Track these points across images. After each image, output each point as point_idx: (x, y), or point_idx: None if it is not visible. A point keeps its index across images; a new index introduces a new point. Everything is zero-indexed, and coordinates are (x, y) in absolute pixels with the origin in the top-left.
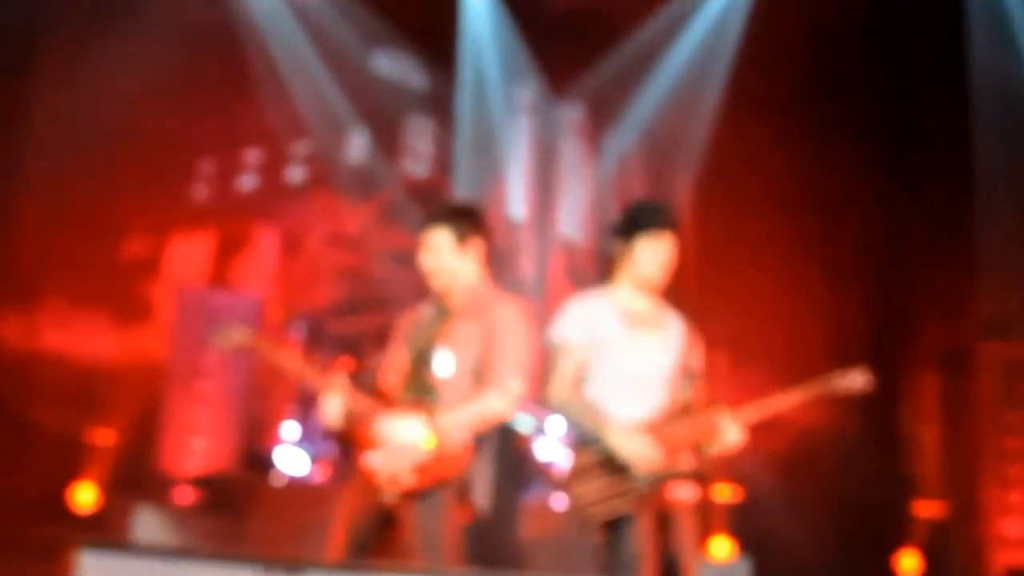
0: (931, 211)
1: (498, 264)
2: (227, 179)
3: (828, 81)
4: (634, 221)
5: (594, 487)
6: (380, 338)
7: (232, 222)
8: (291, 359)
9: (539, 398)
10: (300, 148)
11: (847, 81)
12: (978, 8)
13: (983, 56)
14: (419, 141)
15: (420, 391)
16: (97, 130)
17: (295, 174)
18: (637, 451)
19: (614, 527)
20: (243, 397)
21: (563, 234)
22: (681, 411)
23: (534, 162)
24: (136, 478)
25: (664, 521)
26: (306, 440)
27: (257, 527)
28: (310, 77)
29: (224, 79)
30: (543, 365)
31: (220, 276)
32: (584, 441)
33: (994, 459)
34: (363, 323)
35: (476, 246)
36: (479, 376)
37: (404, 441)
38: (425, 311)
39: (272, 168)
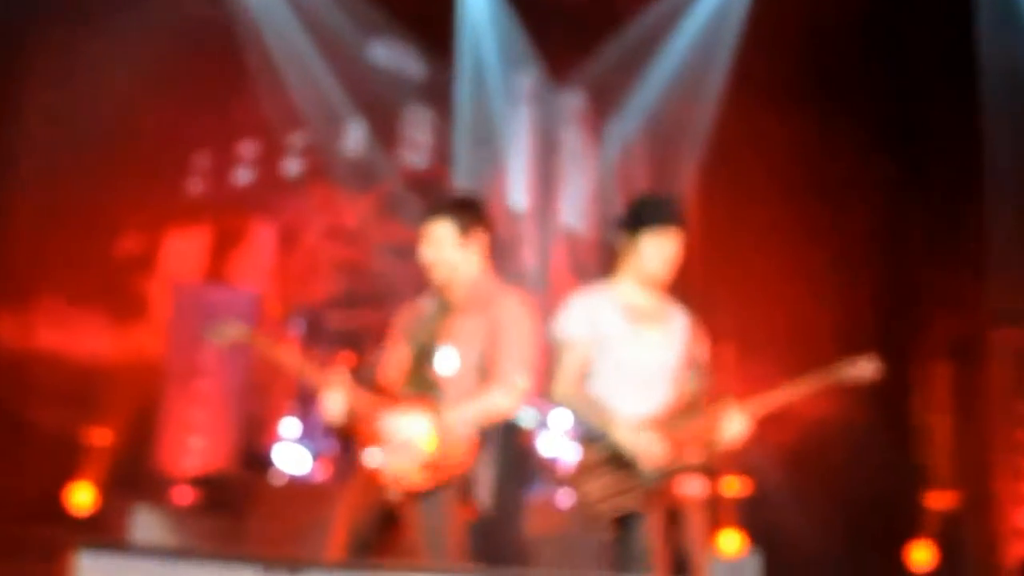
0: (940, 197)
1: (500, 255)
2: (222, 173)
3: (834, 65)
4: (639, 215)
5: (601, 483)
6: (380, 333)
7: (228, 216)
8: (290, 355)
9: (544, 392)
10: (296, 140)
11: (853, 65)
12: None
13: (990, 40)
14: (418, 131)
15: (422, 387)
16: (90, 126)
17: (291, 167)
18: (643, 446)
19: (623, 523)
20: (241, 394)
21: (565, 224)
22: (688, 405)
23: (535, 151)
24: (134, 478)
25: (674, 516)
26: (307, 437)
27: (257, 527)
28: (306, 67)
29: (218, 71)
30: (547, 359)
31: (216, 272)
32: (590, 437)
33: (1007, 449)
34: (363, 317)
35: (478, 239)
36: (483, 372)
37: (408, 438)
38: (426, 305)
39: (268, 161)
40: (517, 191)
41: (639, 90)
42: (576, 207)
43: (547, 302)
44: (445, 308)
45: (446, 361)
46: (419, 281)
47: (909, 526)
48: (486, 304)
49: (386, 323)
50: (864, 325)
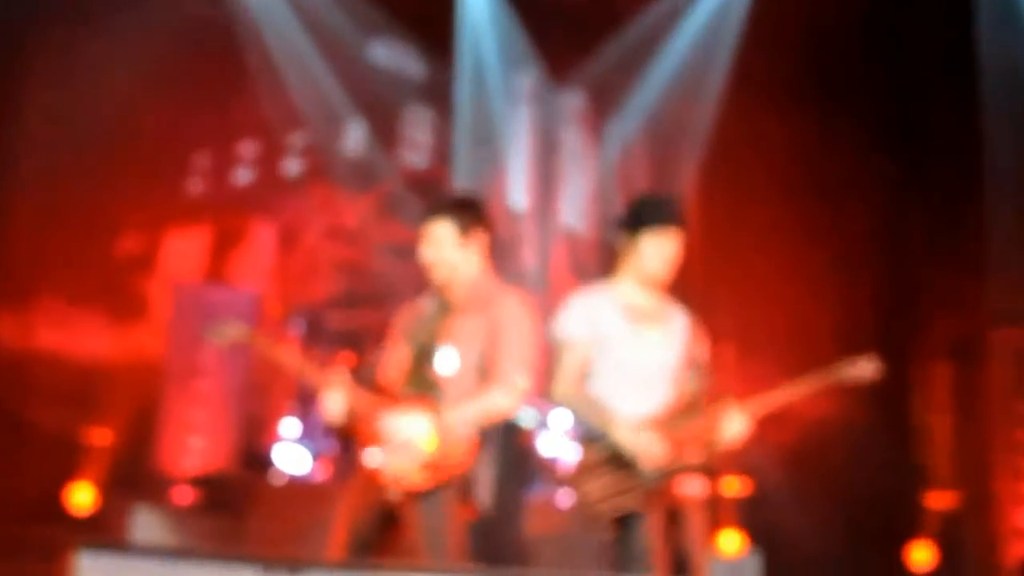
0: (940, 196)
1: (499, 255)
2: (222, 173)
3: (834, 65)
4: (639, 215)
5: (601, 484)
6: (380, 333)
7: (228, 217)
8: (290, 355)
9: (544, 392)
10: (296, 140)
11: (853, 65)
12: None
13: (990, 40)
14: (417, 131)
15: (422, 387)
16: (90, 126)
17: (291, 167)
18: (643, 446)
19: (624, 524)
20: (241, 394)
21: (565, 224)
22: (688, 404)
23: (535, 151)
24: (134, 478)
25: (674, 517)
26: (307, 437)
27: (257, 527)
28: (306, 67)
29: (218, 71)
30: (547, 359)
31: (216, 272)
32: (590, 438)
33: (1007, 449)
34: (362, 317)
35: (479, 239)
36: (483, 372)
37: (408, 438)
38: (425, 305)
39: (268, 161)
40: (517, 191)
41: (639, 90)
42: (576, 207)
43: (547, 302)
44: (445, 308)
45: (446, 361)
46: (419, 281)
47: (909, 526)
48: (486, 304)
49: (386, 323)
50: (864, 325)
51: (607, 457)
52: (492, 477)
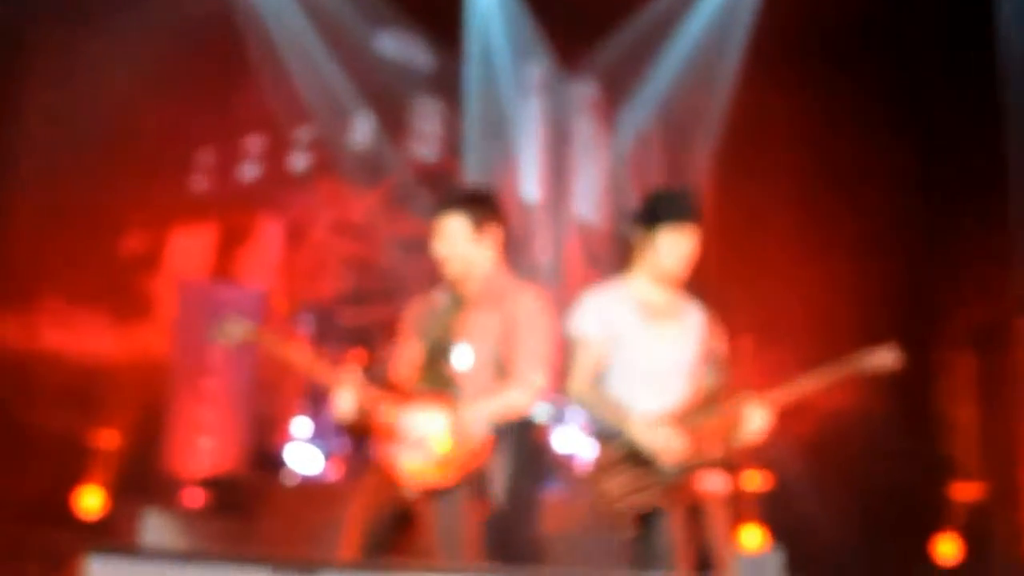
0: (961, 183)
1: (512, 248)
2: (228, 169)
3: (853, 49)
4: (655, 210)
5: (620, 481)
6: (391, 329)
7: (234, 213)
8: (299, 353)
9: (560, 388)
10: (303, 134)
11: (873, 50)
12: None
13: (1009, 20)
14: (427, 123)
15: (438, 383)
16: (90, 126)
17: (298, 161)
18: (661, 442)
19: (645, 521)
20: (251, 394)
21: (578, 216)
22: (706, 399)
23: (547, 142)
24: (142, 481)
25: (695, 513)
26: (318, 436)
27: (268, 528)
28: (312, 60)
29: (222, 65)
30: (563, 355)
31: (223, 269)
32: (607, 435)
33: None
34: (373, 313)
35: (493, 233)
36: (499, 368)
37: (424, 435)
38: (438, 300)
39: (274, 156)
40: (529, 183)
41: (651, 78)
42: (589, 198)
43: (561, 295)
44: (458, 303)
45: (462, 357)
46: (429, 276)
47: (934, 518)
48: (500, 299)
49: (396, 319)
50: (884, 314)
51: (624, 455)
52: (507, 473)
